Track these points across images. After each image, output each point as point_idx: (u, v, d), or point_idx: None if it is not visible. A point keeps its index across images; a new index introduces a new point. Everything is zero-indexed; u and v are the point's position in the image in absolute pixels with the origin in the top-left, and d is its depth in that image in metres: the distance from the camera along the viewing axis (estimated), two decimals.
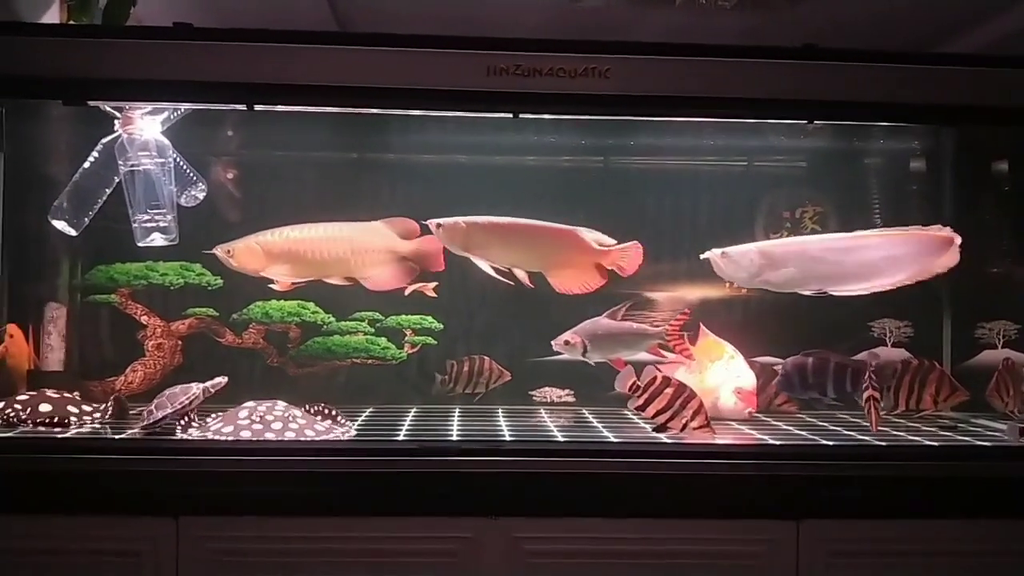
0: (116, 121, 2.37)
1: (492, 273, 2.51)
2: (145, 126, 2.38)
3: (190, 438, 2.09)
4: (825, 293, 2.50)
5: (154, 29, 2.12)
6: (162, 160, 2.41)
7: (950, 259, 2.45)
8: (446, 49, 2.06)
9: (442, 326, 2.72)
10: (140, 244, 2.42)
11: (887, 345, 2.74)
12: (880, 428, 2.31)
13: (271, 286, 2.57)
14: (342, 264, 2.56)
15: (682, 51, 2.10)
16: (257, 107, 2.16)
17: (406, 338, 2.73)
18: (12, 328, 2.48)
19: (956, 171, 2.89)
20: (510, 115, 2.21)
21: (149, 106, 2.33)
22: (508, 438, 2.21)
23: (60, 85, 2.07)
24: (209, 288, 2.63)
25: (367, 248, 2.56)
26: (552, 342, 2.56)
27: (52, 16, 2.52)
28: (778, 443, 2.19)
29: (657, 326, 2.54)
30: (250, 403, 2.19)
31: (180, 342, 2.65)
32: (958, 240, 2.44)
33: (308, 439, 2.09)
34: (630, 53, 2.08)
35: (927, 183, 2.92)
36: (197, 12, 2.15)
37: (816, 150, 2.90)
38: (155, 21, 2.50)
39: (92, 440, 2.11)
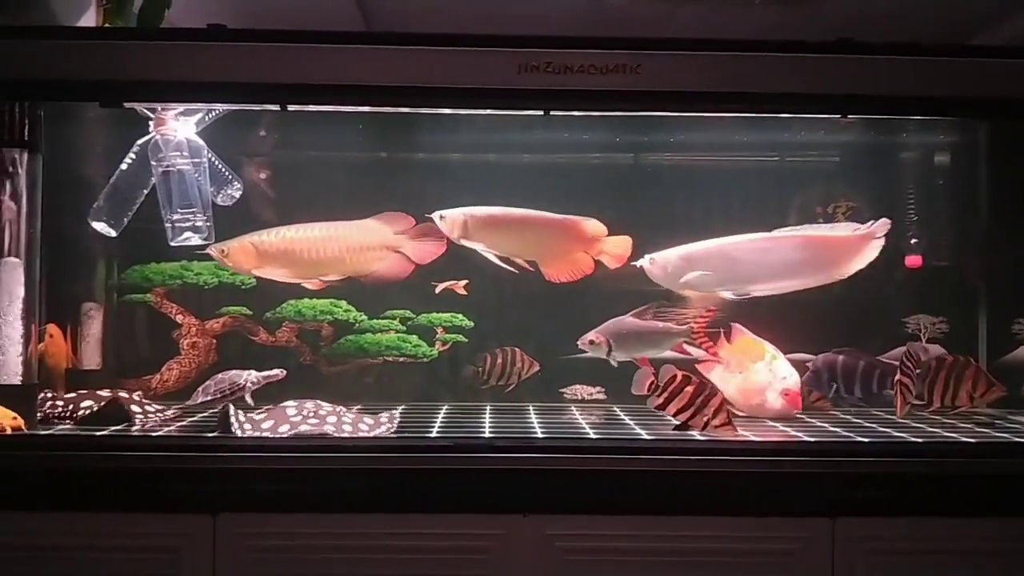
0: (150, 122, 2.41)
1: (497, 261, 2.56)
2: (178, 127, 2.41)
3: (230, 435, 2.11)
4: (747, 295, 2.50)
5: (189, 31, 2.14)
6: (195, 160, 2.43)
7: (870, 255, 2.49)
8: (477, 48, 2.06)
9: (473, 324, 2.74)
10: (172, 243, 2.44)
11: (922, 341, 2.71)
12: (916, 425, 2.29)
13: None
14: (338, 262, 2.57)
15: (713, 46, 2.09)
16: (290, 107, 2.18)
17: (437, 336, 2.74)
18: (51, 328, 2.52)
19: (990, 165, 2.86)
20: (541, 112, 2.21)
21: (181, 107, 2.36)
22: (540, 435, 2.22)
23: (97, 87, 2.10)
24: (243, 287, 2.66)
25: (362, 245, 2.58)
26: (577, 341, 2.57)
27: (88, 19, 2.55)
28: (812, 440, 2.17)
29: (685, 323, 2.54)
30: (291, 402, 2.22)
31: (214, 341, 2.68)
32: (880, 237, 2.48)
33: (343, 436, 2.11)
34: (661, 49, 2.08)
35: (959, 177, 2.88)
36: (228, 13, 2.17)
37: (847, 144, 2.88)
38: (188, 23, 2.53)
39: (131, 438, 2.14)
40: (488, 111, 2.40)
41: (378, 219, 2.61)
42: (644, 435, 2.21)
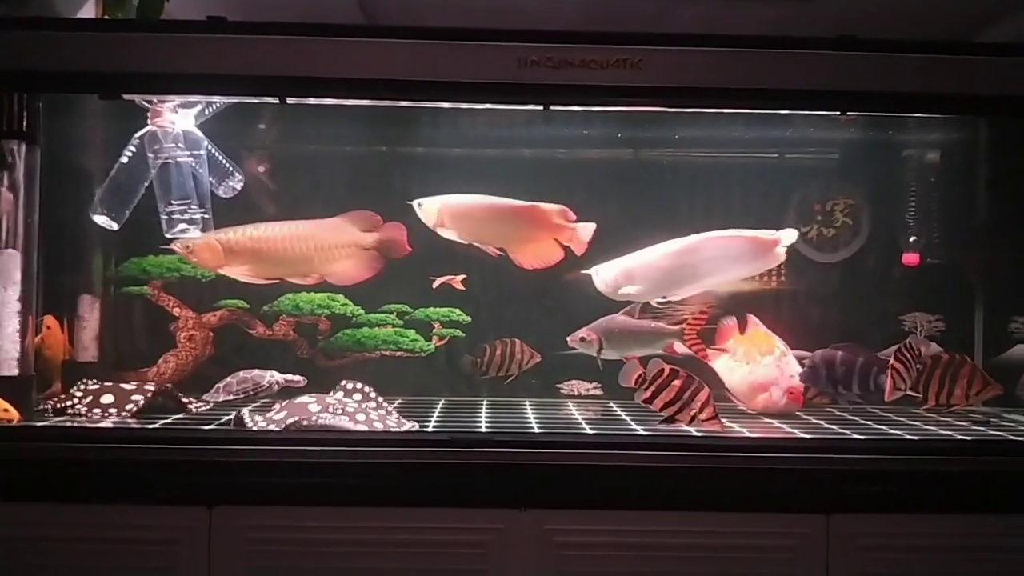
0: (148, 114, 2.40)
1: (479, 246, 2.55)
2: (176, 119, 2.41)
3: (229, 428, 2.11)
4: (667, 299, 2.52)
5: (188, 23, 2.13)
6: (194, 153, 2.43)
7: (776, 259, 2.53)
8: (477, 41, 2.06)
9: (470, 319, 2.74)
10: (168, 236, 2.44)
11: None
12: (911, 422, 2.30)
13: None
14: (305, 261, 2.54)
15: (714, 42, 2.08)
16: (289, 100, 2.18)
17: (434, 330, 2.74)
18: (49, 320, 2.52)
19: (988, 163, 2.86)
20: (540, 107, 2.21)
21: (178, 99, 2.36)
22: (537, 430, 2.22)
23: (96, 79, 2.09)
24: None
25: (329, 244, 2.55)
26: (568, 338, 2.57)
27: (88, 11, 2.54)
28: (808, 436, 2.18)
29: (680, 322, 2.54)
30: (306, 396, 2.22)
31: (211, 333, 2.68)
32: (784, 242, 2.51)
33: (340, 429, 2.11)
34: (662, 44, 2.07)
35: (957, 175, 2.88)
36: (227, 5, 2.16)
37: (847, 141, 2.88)
38: (188, 15, 2.52)
39: (128, 429, 2.15)
40: (488, 105, 2.40)
41: (345, 217, 2.58)
42: (640, 431, 2.22)
